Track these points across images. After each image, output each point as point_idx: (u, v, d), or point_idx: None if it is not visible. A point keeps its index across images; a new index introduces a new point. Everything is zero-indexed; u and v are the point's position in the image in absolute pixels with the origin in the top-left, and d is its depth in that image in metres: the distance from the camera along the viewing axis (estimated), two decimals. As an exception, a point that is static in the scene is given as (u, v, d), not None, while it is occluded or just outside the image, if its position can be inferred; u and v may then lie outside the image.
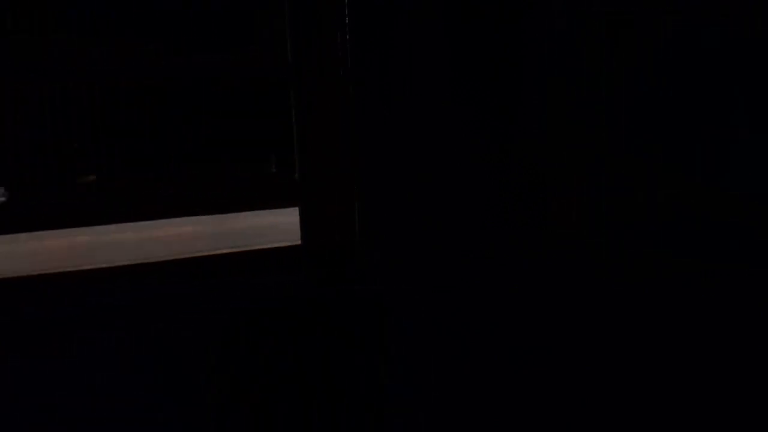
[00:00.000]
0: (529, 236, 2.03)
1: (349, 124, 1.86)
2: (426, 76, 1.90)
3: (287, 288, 1.72)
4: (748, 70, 1.56)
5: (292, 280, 1.79)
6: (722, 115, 1.62)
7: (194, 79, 2.00)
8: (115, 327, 1.03)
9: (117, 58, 1.92)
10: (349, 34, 1.81)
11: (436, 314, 1.95)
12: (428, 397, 1.89)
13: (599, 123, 1.89)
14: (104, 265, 1.13)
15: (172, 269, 1.22)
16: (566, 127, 1.97)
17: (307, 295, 1.80)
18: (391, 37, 1.85)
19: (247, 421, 1.35)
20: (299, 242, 1.88)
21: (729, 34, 1.56)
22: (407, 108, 1.89)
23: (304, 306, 1.78)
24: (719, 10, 1.56)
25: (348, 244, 1.88)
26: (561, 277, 1.99)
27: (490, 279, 2.01)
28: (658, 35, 1.72)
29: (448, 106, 1.93)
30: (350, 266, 1.88)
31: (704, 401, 1.72)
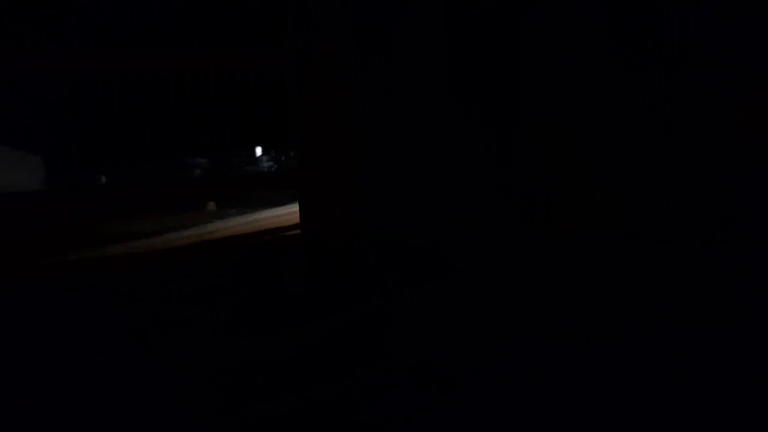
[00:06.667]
0: (529, 233, 2.03)
1: (349, 122, 1.86)
2: (426, 75, 1.91)
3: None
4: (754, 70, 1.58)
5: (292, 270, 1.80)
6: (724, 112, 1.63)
7: (195, 76, 2.01)
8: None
9: (119, 53, 1.93)
10: (350, 33, 1.82)
11: (436, 310, 1.95)
12: (427, 391, 1.89)
13: (598, 122, 1.91)
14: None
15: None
16: (565, 126, 1.98)
17: (304, 284, 1.80)
18: (391, 36, 1.86)
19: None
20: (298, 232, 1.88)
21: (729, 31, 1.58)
22: (407, 106, 1.89)
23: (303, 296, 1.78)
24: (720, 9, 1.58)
25: (347, 237, 1.89)
26: (561, 275, 1.99)
27: (490, 276, 2.01)
28: (659, 34, 1.73)
29: (447, 104, 1.94)
30: (350, 258, 1.88)
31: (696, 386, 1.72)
